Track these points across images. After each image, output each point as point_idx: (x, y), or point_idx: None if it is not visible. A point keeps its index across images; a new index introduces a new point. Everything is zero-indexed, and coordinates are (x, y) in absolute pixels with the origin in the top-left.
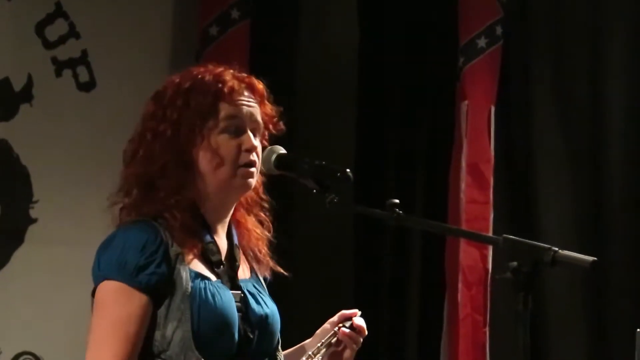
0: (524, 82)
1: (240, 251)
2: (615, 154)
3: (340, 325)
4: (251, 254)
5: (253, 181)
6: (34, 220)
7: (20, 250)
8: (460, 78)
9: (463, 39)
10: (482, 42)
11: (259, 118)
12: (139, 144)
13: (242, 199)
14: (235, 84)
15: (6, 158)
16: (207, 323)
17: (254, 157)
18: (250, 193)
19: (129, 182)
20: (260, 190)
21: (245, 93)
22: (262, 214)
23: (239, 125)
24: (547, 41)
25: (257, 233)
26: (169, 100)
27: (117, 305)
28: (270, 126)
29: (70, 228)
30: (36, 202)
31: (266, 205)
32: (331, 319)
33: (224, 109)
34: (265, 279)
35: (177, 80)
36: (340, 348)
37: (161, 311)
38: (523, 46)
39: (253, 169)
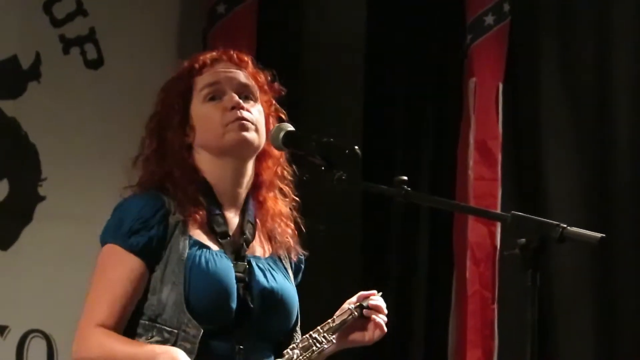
0: (532, 59)
1: (259, 230)
2: (623, 130)
3: (357, 304)
4: (275, 235)
5: (249, 135)
6: (43, 198)
7: (29, 228)
8: (468, 55)
9: (470, 16)
10: (489, 19)
11: (246, 81)
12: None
13: (265, 175)
14: (208, 58)
15: (15, 136)
16: (199, 287)
17: (240, 113)
18: (270, 165)
19: (147, 178)
20: (283, 161)
21: (222, 64)
22: (286, 187)
23: (218, 89)
24: (555, 18)
25: (276, 213)
26: (157, 97)
27: (110, 267)
28: (266, 87)
29: (79, 205)
30: (45, 179)
31: (290, 177)
32: (350, 299)
33: (200, 81)
34: (295, 265)
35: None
36: (355, 326)
37: (157, 275)
38: (530, 23)
39: (244, 122)
